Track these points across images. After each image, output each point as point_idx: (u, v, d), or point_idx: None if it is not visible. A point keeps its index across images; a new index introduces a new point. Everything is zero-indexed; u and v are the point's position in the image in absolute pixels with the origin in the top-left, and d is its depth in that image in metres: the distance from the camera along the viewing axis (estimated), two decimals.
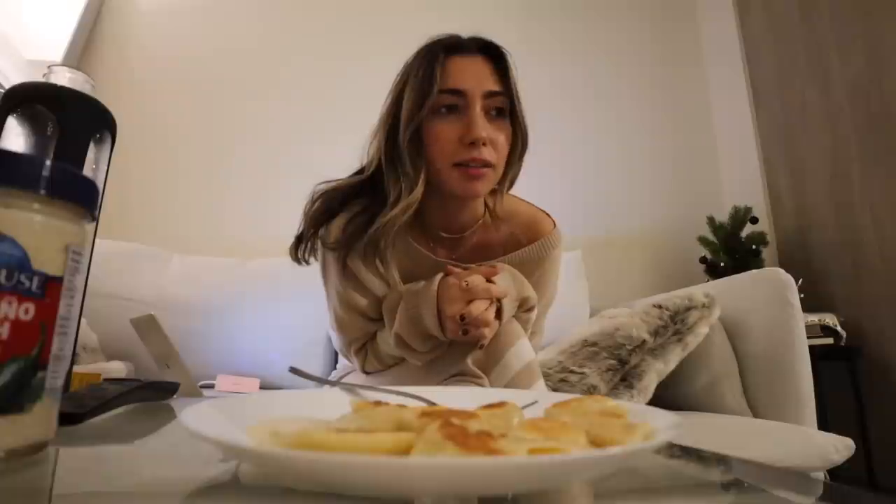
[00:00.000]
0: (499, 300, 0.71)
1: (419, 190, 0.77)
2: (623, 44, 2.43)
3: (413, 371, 0.78)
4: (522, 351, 0.74)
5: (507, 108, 0.79)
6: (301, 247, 0.83)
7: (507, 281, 0.75)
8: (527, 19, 2.40)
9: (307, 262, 0.84)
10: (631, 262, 2.23)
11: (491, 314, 0.70)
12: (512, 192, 0.90)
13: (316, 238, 0.82)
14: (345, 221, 0.80)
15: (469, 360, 0.72)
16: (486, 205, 0.86)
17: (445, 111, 0.77)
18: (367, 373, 0.86)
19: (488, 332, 0.71)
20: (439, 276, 0.75)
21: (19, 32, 1.85)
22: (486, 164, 0.76)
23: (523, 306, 0.78)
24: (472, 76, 0.77)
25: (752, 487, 0.31)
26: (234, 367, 1.55)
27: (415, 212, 0.81)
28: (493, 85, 0.78)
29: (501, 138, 0.78)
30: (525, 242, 0.86)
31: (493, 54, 0.80)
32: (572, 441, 0.25)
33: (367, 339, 0.85)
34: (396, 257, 0.83)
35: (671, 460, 0.35)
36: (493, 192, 0.84)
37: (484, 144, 0.75)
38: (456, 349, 0.74)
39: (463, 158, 0.75)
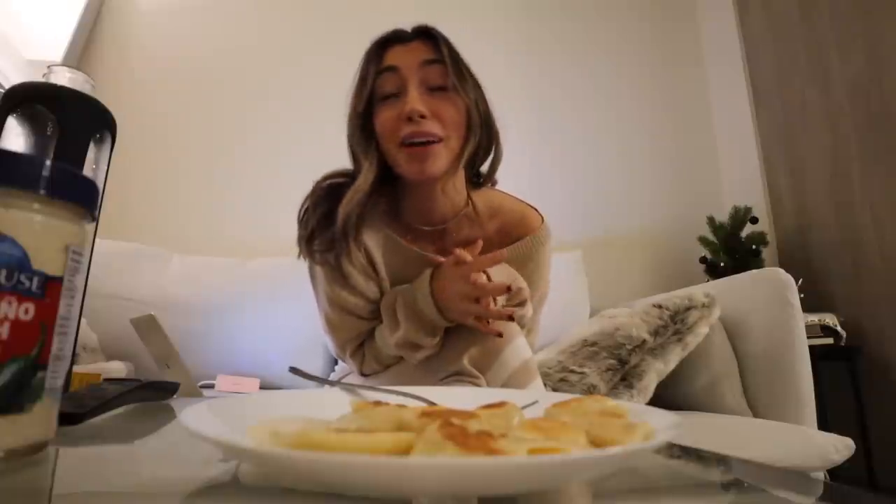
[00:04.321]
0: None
1: (368, 176, 0.77)
2: (623, 44, 2.43)
3: (410, 372, 0.78)
4: (519, 349, 0.74)
5: (450, 83, 0.78)
6: (314, 241, 0.80)
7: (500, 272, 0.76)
8: (527, 19, 2.40)
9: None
10: (631, 262, 2.23)
11: (496, 286, 0.71)
12: (506, 189, 0.89)
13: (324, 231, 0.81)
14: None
15: (465, 360, 0.72)
16: (469, 198, 0.86)
17: (388, 99, 0.78)
18: (364, 375, 0.85)
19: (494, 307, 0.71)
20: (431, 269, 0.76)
21: (19, 32, 1.84)
22: (430, 139, 0.75)
23: (514, 299, 0.77)
24: (407, 53, 0.79)
25: (752, 487, 0.31)
26: (234, 367, 1.55)
27: (393, 208, 0.82)
28: (428, 55, 0.78)
29: (448, 110, 0.77)
30: (513, 237, 0.85)
31: (431, 38, 0.81)
32: (572, 441, 0.25)
33: (361, 339, 0.84)
34: (381, 254, 0.83)
35: (671, 460, 0.35)
36: (476, 186, 0.85)
37: (423, 117, 0.75)
38: (453, 348, 0.74)
39: (404, 134, 0.75)
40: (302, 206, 0.83)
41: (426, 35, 0.81)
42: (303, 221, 0.82)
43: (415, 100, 0.75)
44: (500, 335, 0.73)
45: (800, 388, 1.29)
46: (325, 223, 0.79)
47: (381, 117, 0.78)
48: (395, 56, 0.79)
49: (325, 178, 0.84)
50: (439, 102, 0.77)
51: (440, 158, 0.76)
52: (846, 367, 1.74)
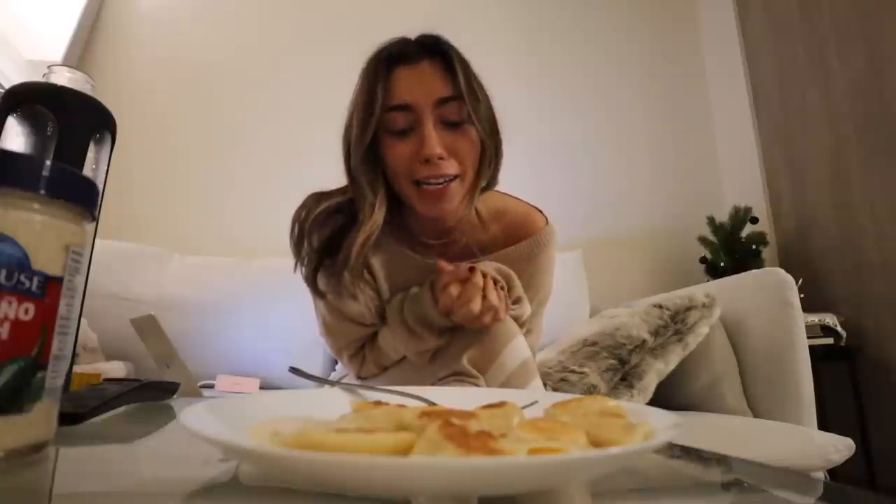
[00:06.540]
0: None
1: (379, 214, 0.75)
2: (623, 44, 2.43)
3: (408, 372, 0.78)
4: (518, 349, 0.74)
5: (465, 115, 0.73)
6: (318, 279, 0.79)
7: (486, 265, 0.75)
8: (527, 20, 2.40)
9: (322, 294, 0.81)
10: (631, 262, 2.23)
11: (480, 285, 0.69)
12: (506, 189, 0.88)
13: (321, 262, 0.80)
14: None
15: (464, 360, 0.71)
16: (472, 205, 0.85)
17: (399, 131, 0.73)
18: (361, 378, 0.84)
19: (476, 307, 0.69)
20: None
21: (19, 32, 1.85)
22: (447, 178, 0.73)
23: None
24: (419, 86, 0.73)
25: (752, 487, 0.31)
26: (234, 367, 1.55)
27: (398, 222, 0.80)
28: (443, 90, 0.72)
29: (464, 146, 0.73)
30: (516, 239, 0.84)
31: (442, 54, 0.75)
32: (572, 441, 0.25)
33: (359, 343, 0.83)
34: (385, 266, 0.82)
35: (671, 460, 0.35)
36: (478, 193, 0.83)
37: (441, 159, 0.72)
38: (451, 349, 0.74)
39: (420, 176, 0.73)
40: (293, 229, 0.81)
41: (434, 50, 0.75)
42: (301, 255, 0.80)
43: (433, 142, 0.71)
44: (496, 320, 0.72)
45: (800, 388, 1.29)
46: (327, 255, 0.79)
47: (393, 152, 0.74)
48: (404, 86, 0.73)
49: (318, 201, 0.81)
50: (455, 138, 0.73)
51: (455, 198, 0.75)
52: (846, 367, 1.74)
